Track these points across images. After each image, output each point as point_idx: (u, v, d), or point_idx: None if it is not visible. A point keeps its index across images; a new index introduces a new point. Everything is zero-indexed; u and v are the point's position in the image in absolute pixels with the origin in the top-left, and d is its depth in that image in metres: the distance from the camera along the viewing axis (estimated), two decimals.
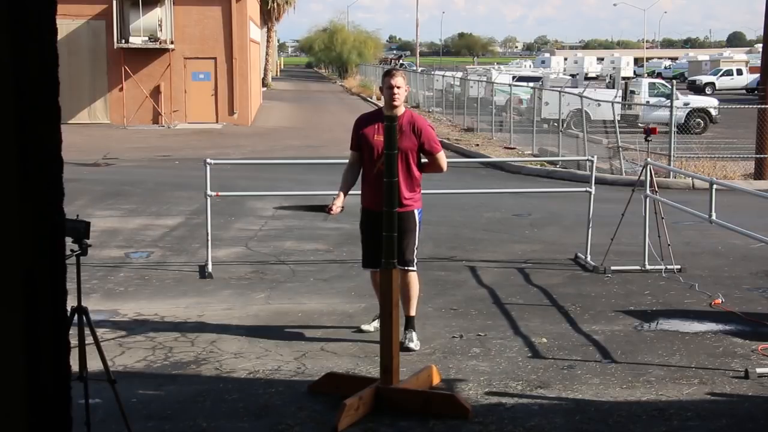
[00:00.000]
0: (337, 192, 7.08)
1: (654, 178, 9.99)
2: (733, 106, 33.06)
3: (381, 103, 7.71)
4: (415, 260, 7.00)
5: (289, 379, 6.34)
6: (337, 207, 6.98)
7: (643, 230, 9.87)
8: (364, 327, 7.38)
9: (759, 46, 35.63)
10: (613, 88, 34.58)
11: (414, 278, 7.00)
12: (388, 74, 6.93)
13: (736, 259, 10.33)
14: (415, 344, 6.97)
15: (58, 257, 2.17)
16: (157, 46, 30.42)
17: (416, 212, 6.91)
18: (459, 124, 31.22)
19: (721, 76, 62.63)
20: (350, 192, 7.11)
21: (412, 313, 7.07)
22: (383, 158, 6.28)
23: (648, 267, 9.66)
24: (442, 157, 7.01)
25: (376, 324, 7.13)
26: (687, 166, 18.02)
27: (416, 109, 39.38)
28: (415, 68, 56.36)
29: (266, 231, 12.07)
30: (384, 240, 5.82)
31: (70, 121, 28.94)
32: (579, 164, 18.52)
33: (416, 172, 6.91)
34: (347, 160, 7.17)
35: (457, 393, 5.95)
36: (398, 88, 6.79)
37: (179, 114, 31.22)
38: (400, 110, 6.84)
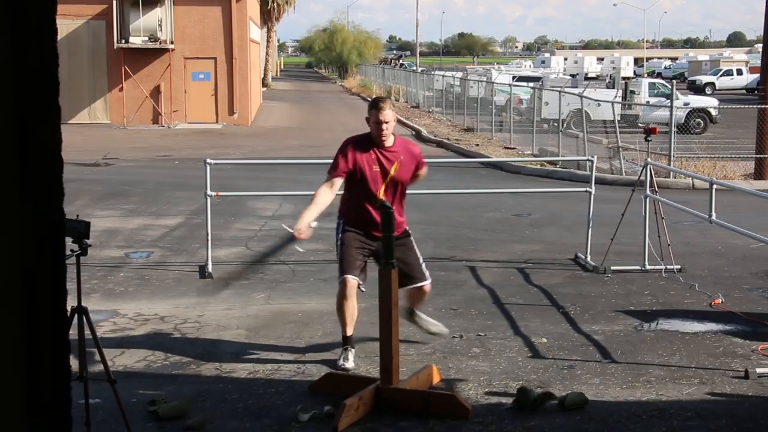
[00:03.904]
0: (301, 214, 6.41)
1: (654, 178, 9.99)
2: (733, 106, 33.07)
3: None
4: (427, 271, 6.94)
5: (289, 379, 6.34)
6: (303, 230, 6.26)
7: (643, 230, 9.87)
8: (347, 365, 6.61)
9: (759, 46, 35.61)
10: (613, 88, 34.59)
11: (428, 290, 7.01)
12: (376, 107, 6.47)
13: (736, 259, 10.33)
14: (436, 326, 7.14)
15: (58, 257, 2.17)
16: (157, 46, 30.42)
17: (407, 227, 6.85)
18: (459, 124, 31.21)
19: (721, 76, 62.63)
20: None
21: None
22: (383, 188, 6.45)
23: (648, 267, 9.65)
24: (426, 172, 6.95)
25: (351, 359, 6.66)
26: (687, 166, 18.03)
27: (416, 109, 39.40)
28: (415, 68, 56.35)
29: (266, 231, 12.06)
30: (383, 240, 5.84)
31: (70, 121, 28.94)
32: (579, 164, 18.52)
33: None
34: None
35: (457, 393, 5.95)
36: (386, 123, 6.42)
37: (179, 114, 31.21)
38: (390, 140, 6.55)
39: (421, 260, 6.86)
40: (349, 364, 6.57)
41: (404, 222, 6.77)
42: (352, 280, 6.56)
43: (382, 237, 5.85)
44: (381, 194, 6.48)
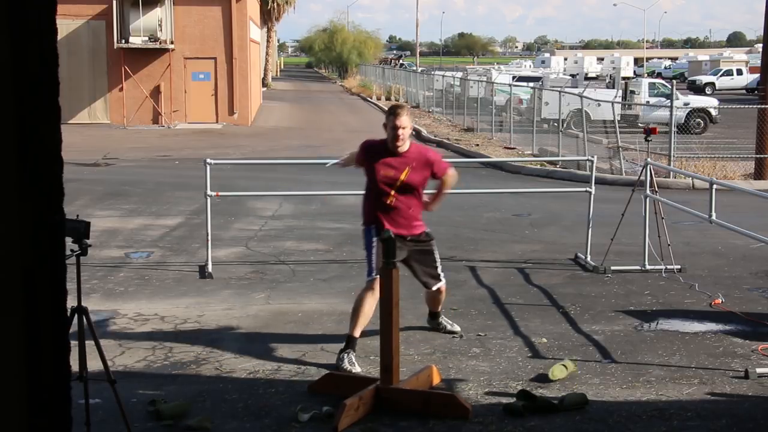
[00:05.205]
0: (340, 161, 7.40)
1: (654, 178, 9.99)
2: (733, 106, 33.06)
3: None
4: (443, 273, 7.29)
5: (289, 379, 6.34)
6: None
7: (643, 230, 9.87)
8: (354, 370, 6.56)
9: (759, 46, 35.60)
10: (613, 88, 34.59)
11: (444, 289, 7.34)
12: (393, 114, 6.78)
13: (736, 259, 10.33)
14: (453, 326, 7.48)
15: (58, 257, 2.17)
16: (157, 46, 30.41)
17: (427, 229, 7.15)
18: (459, 124, 31.21)
19: (721, 76, 62.63)
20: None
21: (439, 309, 7.51)
22: (393, 191, 6.74)
23: (648, 267, 9.65)
24: (452, 174, 7.16)
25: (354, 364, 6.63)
26: (687, 166, 18.02)
27: (416, 109, 39.41)
28: (415, 68, 56.35)
29: (266, 231, 12.06)
30: (384, 241, 5.86)
31: (70, 121, 28.93)
32: (579, 164, 18.52)
33: (423, 197, 7.08)
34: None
35: (457, 393, 5.95)
36: (403, 129, 6.70)
37: (179, 114, 31.21)
38: (405, 146, 6.79)
39: (438, 263, 7.20)
40: (357, 368, 6.51)
41: (422, 225, 7.08)
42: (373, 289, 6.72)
43: (384, 236, 5.92)
44: (392, 197, 6.78)
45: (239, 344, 7.12)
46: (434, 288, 7.20)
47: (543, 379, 6.35)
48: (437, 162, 6.99)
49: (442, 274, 7.23)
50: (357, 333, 6.68)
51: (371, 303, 6.70)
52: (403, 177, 6.74)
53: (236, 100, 31.68)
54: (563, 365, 6.42)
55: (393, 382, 5.75)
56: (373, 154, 6.83)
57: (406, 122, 6.73)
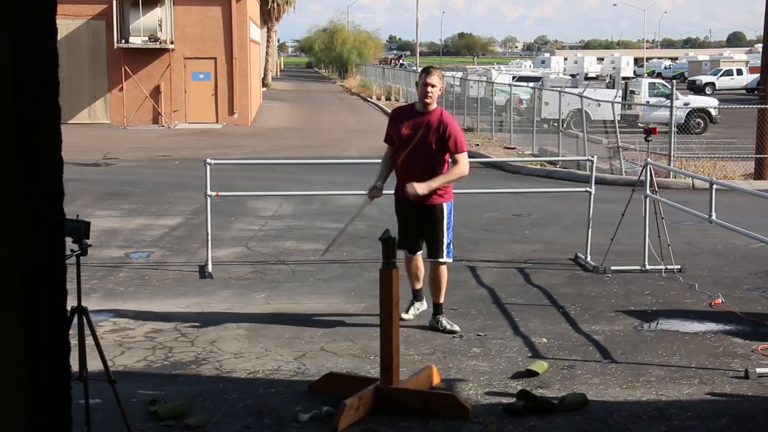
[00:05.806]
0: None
1: (654, 178, 9.99)
2: (733, 106, 33.07)
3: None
4: (446, 251, 7.37)
5: (289, 379, 6.34)
6: (371, 193, 7.39)
7: (643, 230, 9.87)
8: (404, 315, 7.37)
9: (759, 46, 35.61)
10: (613, 88, 34.59)
11: (444, 270, 7.44)
12: (425, 72, 7.32)
13: (736, 259, 10.33)
14: (452, 326, 7.46)
15: (58, 257, 2.17)
16: (157, 46, 30.42)
17: (444, 205, 7.31)
18: (459, 124, 31.20)
19: (721, 76, 62.62)
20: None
21: (440, 300, 7.52)
22: (407, 151, 7.11)
23: (648, 267, 9.65)
24: (462, 159, 7.28)
25: (413, 311, 7.69)
26: (687, 166, 18.02)
27: None
28: (415, 68, 56.33)
29: (266, 231, 12.06)
30: (383, 242, 5.87)
31: (70, 121, 28.93)
32: (579, 164, 18.52)
33: (443, 167, 7.23)
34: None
35: (457, 393, 5.95)
36: (432, 86, 7.17)
37: (179, 114, 31.21)
38: (433, 106, 7.24)
39: (442, 239, 7.29)
40: (406, 315, 7.40)
41: (438, 194, 7.18)
42: (406, 256, 7.44)
43: (382, 242, 5.92)
44: (404, 156, 7.13)
45: (239, 344, 7.12)
46: (431, 259, 7.39)
47: (542, 378, 6.35)
48: (451, 126, 7.24)
49: (444, 252, 7.34)
50: (416, 286, 7.63)
51: (409, 265, 7.50)
52: (418, 136, 7.09)
53: (236, 100, 31.69)
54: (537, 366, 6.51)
55: (393, 382, 5.75)
56: (399, 116, 7.39)
57: (436, 81, 7.21)
